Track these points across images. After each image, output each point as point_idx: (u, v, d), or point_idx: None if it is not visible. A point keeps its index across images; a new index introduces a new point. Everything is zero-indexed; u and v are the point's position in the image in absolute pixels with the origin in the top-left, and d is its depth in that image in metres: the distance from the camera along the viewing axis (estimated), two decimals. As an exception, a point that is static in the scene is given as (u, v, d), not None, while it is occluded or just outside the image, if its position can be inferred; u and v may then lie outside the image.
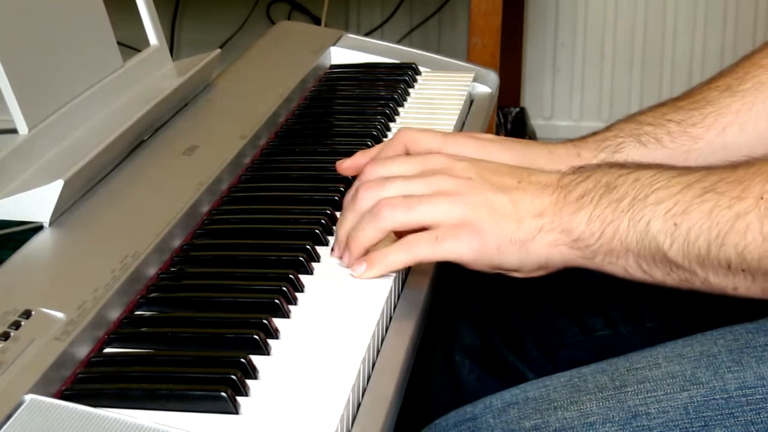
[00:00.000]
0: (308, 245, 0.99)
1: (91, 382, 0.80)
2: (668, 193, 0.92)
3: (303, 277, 0.94)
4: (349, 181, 1.13)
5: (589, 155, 1.12)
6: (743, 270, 0.89)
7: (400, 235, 0.97)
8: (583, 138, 1.15)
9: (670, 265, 0.92)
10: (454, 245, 0.95)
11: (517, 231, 0.95)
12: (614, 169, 0.96)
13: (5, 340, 0.79)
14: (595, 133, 1.16)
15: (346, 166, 1.08)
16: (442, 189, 0.96)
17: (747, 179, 0.90)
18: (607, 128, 1.16)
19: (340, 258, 0.98)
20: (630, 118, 1.16)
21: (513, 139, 1.14)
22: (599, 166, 0.98)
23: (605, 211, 0.93)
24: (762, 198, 0.88)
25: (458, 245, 0.95)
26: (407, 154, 1.07)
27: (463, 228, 0.95)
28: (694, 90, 1.18)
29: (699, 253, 0.90)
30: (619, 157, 1.12)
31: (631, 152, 1.12)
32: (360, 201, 0.98)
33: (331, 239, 1.02)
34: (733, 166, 0.92)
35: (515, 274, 0.98)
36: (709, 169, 0.93)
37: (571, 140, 1.15)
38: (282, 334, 0.86)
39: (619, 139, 1.13)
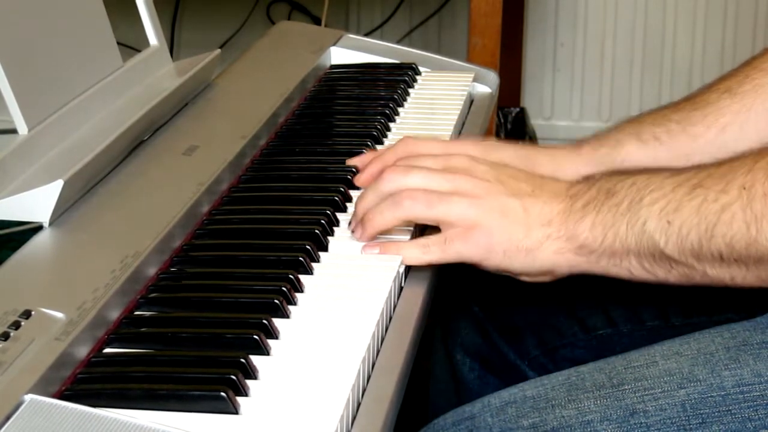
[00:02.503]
0: (308, 245, 0.99)
1: (91, 383, 0.80)
2: (661, 193, 0.95)
3: (303, 277, 0.94)
4: (349, 182, 1.13)
5: (589, 150, 1.15)
6: (735, 260, 0.92)
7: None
8: (587, 138, 1.18)
9: (669, 262, 0.95)
10: (461, 247, 0.99)
11: (525, 239, 0.99)
12: (615, 176, 1.00)
13: (5, 340, 0.79)
14: (596, 134, 1.18)
15: (363, 179, 1.11)
16: (461, 189, 1.01)
17: (731, 172, 0.93)
18: (610, 128, 1.18)
19: (353, 231, 1.02)
20: (633, 119, 1.19)
21: (512, 142, 1.17)
22: (604, 175, 1.02)
23: (606, 216, 0.97)
24: (744, 188, 0.91)
25: (467, 247, 0.99)
26: None
27: (473, 230, 0.99)
28: (695, 93, 1.20)
29: (692, 248, 0.93)
30: (619, 153, 1.15)
31: (631, 149, 1.15)
32: (383, 182, 1.02)
33: (331, 239, 1.03)
34: (720, 162, 0.96)
35: (522, 278, 1.02)
36: (700, 166, 0.96)
37: (575, 142, 1.18)
38: (282, 334, 0.86)
39: (620, 135, 1.16)
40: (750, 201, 0.90)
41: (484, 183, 1.01)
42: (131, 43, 1.53)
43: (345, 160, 1.18)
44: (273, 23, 2.91)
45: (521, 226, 0.99)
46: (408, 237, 1.03)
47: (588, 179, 1.01)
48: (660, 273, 0.96)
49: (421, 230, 1.05)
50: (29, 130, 1.03)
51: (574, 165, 1.14)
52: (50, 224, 0.98)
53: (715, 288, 1.12)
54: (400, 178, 1.02)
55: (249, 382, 0.79)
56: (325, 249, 1.01)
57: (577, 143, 1.17)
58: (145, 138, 1.18)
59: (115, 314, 0.87)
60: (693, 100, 1.18)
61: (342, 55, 1.54)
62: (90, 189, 1.05)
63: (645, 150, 1.15)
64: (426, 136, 1.25)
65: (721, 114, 1.16)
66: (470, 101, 1.45)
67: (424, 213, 1.00)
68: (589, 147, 1.16)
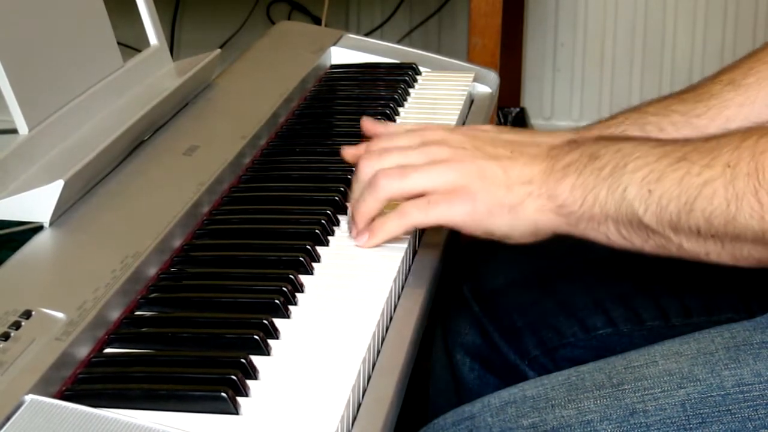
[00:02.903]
0: (308, 245, 0.99)
1: (91, 383, 0.80)
2: (645, 161, 0.94)
3: (303, 278, 0.94)
4: (349, 181, 1.13)
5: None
6: (712, 236, 0.92)
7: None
8: (587, 126, 1.18)
9: (646, 231, 0.95)
10: (445, 209, 0.98)
11: (507, 196, 0.98)
12: (601, 141, 0.99)
13: (5, 340, 0.79)
14: (599, 121, 1.18)
15: (350, 153, 1.10)
16: (437, 158, 1.00)
17: (718, 148, 0.92)
18: (612, 117, 1.18)
19: (350, 233, 1.02)
20: (634, 108, 1.19)
21: (514, 128, 1.15)
22: (588, 139, 1.01)
23: (588, 179, 0.96)
24: (729, 165, 0.90)
25: (450, 209, 0.98)
26: None
27: (455, 193, 0.98)
28: (698, 84, 1.19)
29: (671, 219, 0.93)
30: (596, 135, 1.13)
31: None
32: (360, 172, 1.02)
33: (331, 239, 1.03)
34: (708, 137, 0.95)
35: (507, 241, 1.01)
36: (688, 140, 0.96)
37: (576, 129, 1.17)
38: (282, 335, 0.86)
39: (623, 126, 1.15)
40: (733, 179, 0.90)
41: (460, 150, 1.01)
42: (131, 43, 1.53)
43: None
44: (273, 23, 2.91)
45: (502, 185, 0.98)
46: (405, 245, 1.01)
47: (571, 143, 1.01)
48: (636, 241, 0.96)
49: (421, 233, 1.05)
50: (30, 130, 1.03)
51: None
52: (50, 224, 0.98)
53: (715, 288, 1.12)
54: (375, 163, 1.02)
55: (249, 383, 0.79)
56: (325, 249, 1.01)
57: (577, 131, 1.15)
58: (146, 138, 1.18)
59: (115, 314, 0.87)
60: (696, 91, 1.18)
61: (342, 55, 1.54)
62: (90, 189, 1.05)
63: None
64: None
65: (726, 106, 1.15)
66: (470, 101, 1.45)
67: (401, 185, 0.99)
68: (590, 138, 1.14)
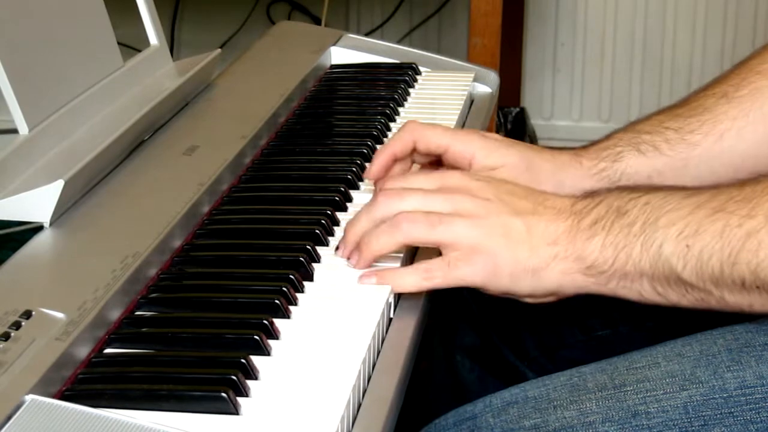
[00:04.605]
0: (308, 245, 0.99)
1: (91, 383, 0.80)
2: (679, 215, 0.92)
3: (303, 278, 0.94)
4: (349, 181, 1.13)
5: (589, 164, 1.12)
6: (758, 287, 0.90)
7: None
8: (583, 147, 1.16)
9: (684, 287, 0.92)
10: (467, 271, 0.95)
11: (531, 258, 0.95)
12: (625, 193, 0.97)
13: (6, 340, 0.79)
14: (594, 143, 1.16)
15: (373, 171, 1.08)
16: (461, 209, 0.97)
17: (756, 197, 0.90)
18: (606, 137, 1.16)
19: (347, 258, 0.98)
20: (628, 128, 1.17)
21: (517, 141, 1.14)
22: (610, 191, 0.98)
23: (618, 236, 0.94)
24: None
25: (471, 270, 0.95)
26: (414, 150, 1.08)
27: (476, 253, 0.95)
28: (691, 97, 1.18)
29: (713, 273, 0.90)
30: (619, 166, 1.12)
31: (630, 161, 1.12)
32: (378, 207, 0.98)
33: (331, 239, 1.02)
34: (741, 184, 0.93)
35: (527, 300, 0.99)
36: (718, 188, 0.93)
37: (572, 149, 1.16)
38: (282, 335, 0.86)
39: (618, 148, 1.13)
40: None
41: (483, 202, 0.97)
42: (131, 43, 1.53)
43: (345, 160, 1.18)
44: (273, 23, 2.91)
45: (525, 245, 0.95)
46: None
47: (593, 195, 0.98)
48: (673, 297, 0.94)
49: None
50: (30, 130, 1.03)
51: (575, 177, 1.12)
52: (51, 224, 0.98)
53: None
54: (396, 203, 0.98)
55: (249, 383, 0.79)
56: (325, 249, 1.01)
57: (575, 153, 1.14)
58: (146, 138, 1.18)
59: (115, 314, 0.87)
60: (689, 105, 1.16)
61: (342, 55, 1.54)
62: (90, 189, 1.05)
63: (645, 160, 1.12)
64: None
65: (719, 120, 1.14)
66: (470, 101, 1.45)
67: (425, 235, 0.96)
68: (588, 160, 1.13)
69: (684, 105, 1.17)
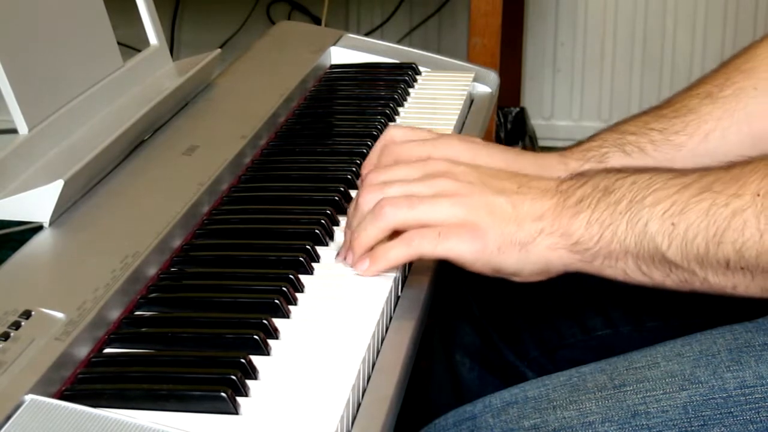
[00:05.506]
0: (308, 245, 0.99)
1: (91, 383, 0.80)
2: (665, 194, 0.92)
3: (303, 277, 0.94)
4: (349, 181, 1.13)
5: (575, 165, 1.12)
6: (742, 268, 0.89)
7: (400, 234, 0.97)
8: (569, 148, 1.16)
9: (669, 266, 0.92)
10: (456, 243, 0.95)
11: (518, 233, 0.95)
12: (612, 173, 0.96)
13: (5, 340, 0.79)
14: (579, 143, 1.16)
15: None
16: (444, 190, 0.97)
17: (743, 177, 0.90)
18: (591, 138, 1.16)
19: (345, 259, 0.98)
20: (613, 128, 1.16)
21: (500, 145, 1.14)
22: (598, 172, 0.98)
23: (603, 214, 0.93)
24: (759, 194, 0.88)
25: (460, 244, 0.95)
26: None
27: (464, 228, 0.95)
28: (676, 98, 1.17)
29: (698, 252, 0.90)
30: (605, 167, 1.11)
31: (616, 162, 1.12)
32: (362, 202, 0.98)
33: (330, 240, 1.02)
34: (729, 166, 0.93)
35: (515, 278, 0.98)
36: (706, 169, 0.93)
37: (557, 151, 1.16)
38: (282, 335, 0.86)
39: (604, 149, 1.13)
40: (764, 208, 0.87)
41: (466, 184, 0.97)
42: (131, 43, 1.53)
43: (345, 160, 1.18)
44: (273, 23, 2.91)
45: (512, 221, 0.95)
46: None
47: (579, 175, 0.98)
48: (657, 276, 0.93)
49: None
50: (29, 130, 1.03)
51: (559, 175, 1.12)
52: (50, 224, 0.98)
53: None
54: (378, 194, 0.97)
55: (249, 382, 0.79)
56: (325, 249, 1.01)
57: (561, 155, 1.14)
58: (145, 138, 1.18)
59: (115, 314, 0.87)
60: (674, 105, 1.16)
61: (342, 54, 1.54)
62: (90, 189, 1.05)
63: (630, 161, 1.12)
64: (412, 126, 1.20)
65: (704, 121, 1.13)
66: (470, 101, 1.45)
67: (407, 215, 0.95)
68: (574, 161, 1.13)
69: (668, 106, 1.17)
